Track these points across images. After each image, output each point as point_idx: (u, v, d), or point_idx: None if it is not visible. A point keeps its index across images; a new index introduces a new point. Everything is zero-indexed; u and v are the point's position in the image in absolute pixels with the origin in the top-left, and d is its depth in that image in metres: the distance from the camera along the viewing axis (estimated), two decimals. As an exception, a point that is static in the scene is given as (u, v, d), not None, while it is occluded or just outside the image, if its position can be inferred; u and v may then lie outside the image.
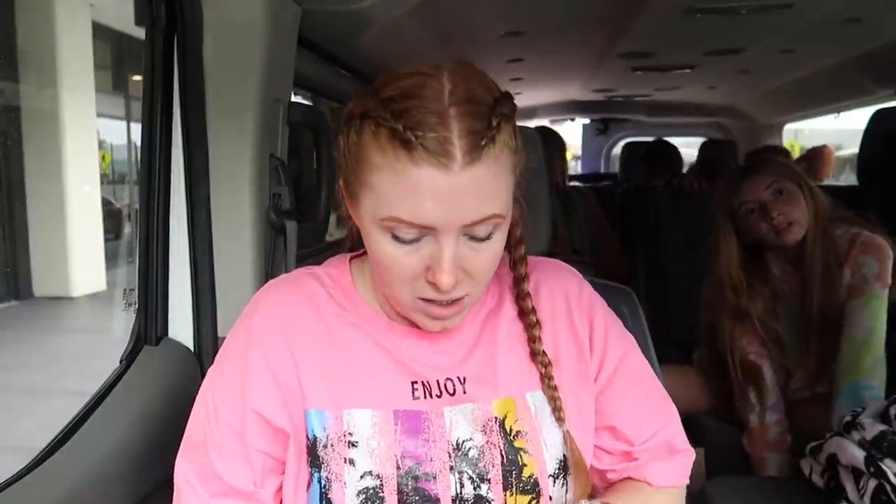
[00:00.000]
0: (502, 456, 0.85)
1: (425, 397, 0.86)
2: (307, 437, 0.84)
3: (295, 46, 1.35)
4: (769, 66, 2.99)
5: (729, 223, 1.92)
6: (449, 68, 0.78)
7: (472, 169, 0.74)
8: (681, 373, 2.16)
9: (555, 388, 0.88)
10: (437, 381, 0.87)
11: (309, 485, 0.84)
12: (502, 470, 0.85)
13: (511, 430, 0.87)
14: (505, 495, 0.84)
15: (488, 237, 0.79)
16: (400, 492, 0.82)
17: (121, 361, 1.15)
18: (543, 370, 0.89)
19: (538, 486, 0.86)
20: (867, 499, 1.33)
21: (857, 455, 1.36)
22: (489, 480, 0.84)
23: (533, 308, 0.91)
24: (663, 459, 0.94)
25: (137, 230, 1.21)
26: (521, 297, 0.92)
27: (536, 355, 0.89)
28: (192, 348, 1.22)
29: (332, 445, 0.83)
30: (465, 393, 0.87)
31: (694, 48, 2.68)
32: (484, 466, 0.84)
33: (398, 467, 0.82)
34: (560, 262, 0.99)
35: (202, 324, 1.22)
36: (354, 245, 0.95)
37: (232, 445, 0.84)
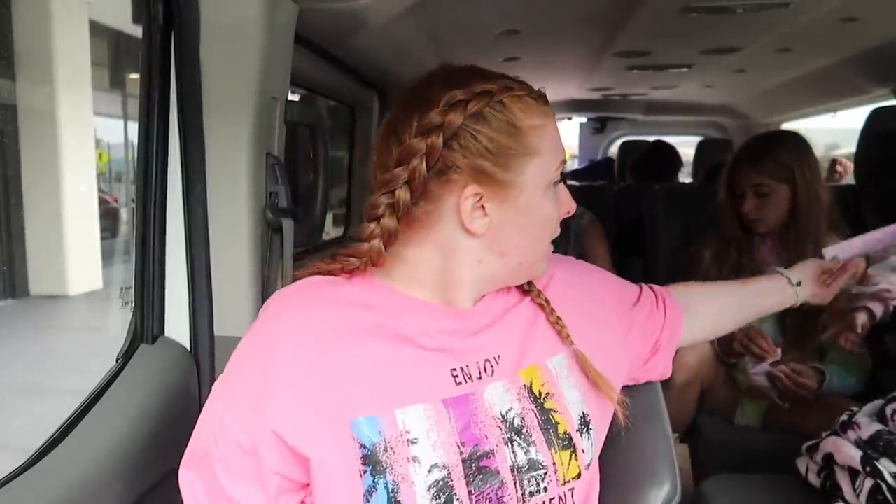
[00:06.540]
0: (537, 418, 0.89)
1: (466, 381, 0.88)
2: (361, 446, 0.82)
3: (292, 44, 1.35)
4: (766, 65, 2.99)
5: (729, 191, 2.06)
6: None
7: None
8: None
9: (559, 318, 0.97)
10: (477, 363, 0.90)
11: (372, 493, 0.81)
12: (542, 431, 0.89)
13: (540, 393, 0.91)
14: (551, 454, 0.88)
15: None
16: (466, 475, 0.84)
17: (117, 360, 1.15)
18: (561, 330, 0.97)
19: (572, 440, 0.91)
20: (863, 498, 1.33)
21: (854, 454, 1.37)
22: (534, 443, 0.88)
23: (547, 300, 0.98)
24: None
25: (134, 229, 1.21)
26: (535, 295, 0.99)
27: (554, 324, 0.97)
28: (188, 347, 1.22)
29: (392, 448, 0.82)
30: (498, 369, 0.91)
31: (690, 47, 2.68)
32: (527, 431, 0.89)
33: (461, 452, 0.84)
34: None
35: (199, 322, 1.22)
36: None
37: (240, 464, 0.82)
